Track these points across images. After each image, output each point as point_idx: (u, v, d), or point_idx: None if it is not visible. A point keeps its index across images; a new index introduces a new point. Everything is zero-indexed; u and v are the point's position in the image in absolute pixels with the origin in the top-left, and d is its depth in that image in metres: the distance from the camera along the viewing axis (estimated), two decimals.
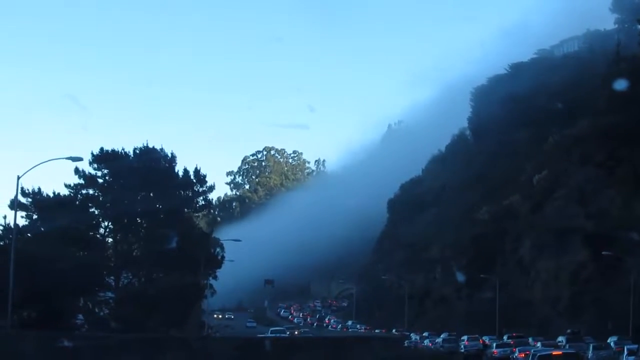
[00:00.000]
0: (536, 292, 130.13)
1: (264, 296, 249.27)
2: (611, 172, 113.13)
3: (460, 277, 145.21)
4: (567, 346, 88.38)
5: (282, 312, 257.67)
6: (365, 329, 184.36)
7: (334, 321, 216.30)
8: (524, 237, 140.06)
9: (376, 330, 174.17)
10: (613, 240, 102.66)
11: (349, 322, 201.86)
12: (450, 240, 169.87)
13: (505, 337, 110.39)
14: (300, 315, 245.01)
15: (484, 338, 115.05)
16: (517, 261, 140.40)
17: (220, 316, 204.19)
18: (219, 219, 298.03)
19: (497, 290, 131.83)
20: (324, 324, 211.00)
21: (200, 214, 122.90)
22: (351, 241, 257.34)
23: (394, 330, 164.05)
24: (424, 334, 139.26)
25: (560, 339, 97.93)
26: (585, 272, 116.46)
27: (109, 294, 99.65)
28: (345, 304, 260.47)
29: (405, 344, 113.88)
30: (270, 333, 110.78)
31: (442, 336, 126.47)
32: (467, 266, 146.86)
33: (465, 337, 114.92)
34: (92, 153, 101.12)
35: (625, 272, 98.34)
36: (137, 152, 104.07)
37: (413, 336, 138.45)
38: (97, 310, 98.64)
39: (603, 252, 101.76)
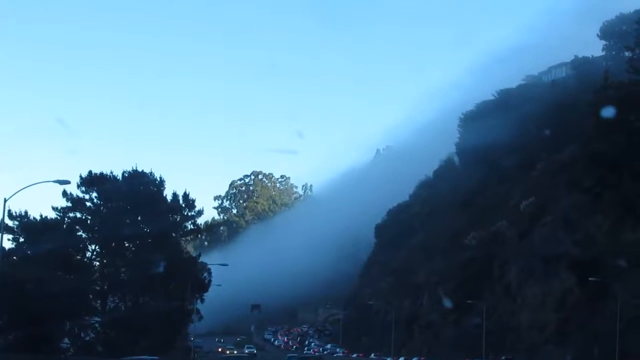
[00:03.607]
0: (523, 317, 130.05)
1: (251, 321, 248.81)
2: (598, 199, 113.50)
3: (447, 302, 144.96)
4: None
5: (265, 335, 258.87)
6: (343, 352, 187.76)
7: (315, 344, 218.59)
8: (511, 263, 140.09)
9: (353, 355, 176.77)
10: (600, 267, 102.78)
11: (328, 346, 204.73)
12: (437, 265, 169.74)
13: None
14: (285, 339, 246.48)
15: None
16: (505, 287, 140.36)
17: (233, 352, 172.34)
18: (206, 243, 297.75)
19: (484, 316, 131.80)
20: (304, 347, 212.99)
21: (188, 238, 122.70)
22: (338, 266, 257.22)
23: (372, 355, 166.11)
24: (400, 358, 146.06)
25: None
26: (572, 298, 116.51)
27: (96, 318, 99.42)
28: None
29: None
30: None
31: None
32: (454, 292, 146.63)
33: None
34: (80, 176, 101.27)
35: (611, 298, 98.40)
36: (126, 175, 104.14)
37: None
38: (83, 334, 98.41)
39: (590, 278, 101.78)
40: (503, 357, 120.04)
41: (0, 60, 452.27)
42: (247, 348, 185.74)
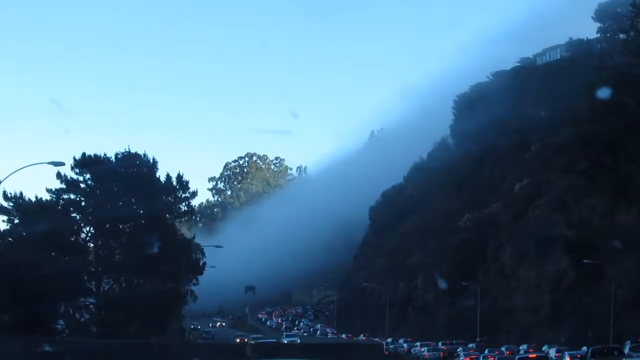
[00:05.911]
0: (517, 299, 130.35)
1: (245, 302, 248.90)
2: (593, 181, 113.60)
3: (442, 284, 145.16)
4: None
5: (258, 316, 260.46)
6: (332, 333, 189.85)
7: (304, 325, 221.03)
8: (506, 245, 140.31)
9: (342, 335, 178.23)
10: (594, 249, 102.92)
11: (318, 326, 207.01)
12: (431, 247, 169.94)
13: (440, 344, 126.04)
14: (279, 321, 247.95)
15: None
16: (499, 269, 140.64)
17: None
18: (200, 224, 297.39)
19: (478, 298, 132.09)
20: (295, 328, 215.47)
21: (182, 219, 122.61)
22: (333, 248, 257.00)
23: (361, 336, 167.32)
24: (387, 340, 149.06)
25: (471, 345, 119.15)
26: (567, 280, 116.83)
27: (90, 300, 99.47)
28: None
29: None
30: None
31: None
32: (448, 273, 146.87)
33: (418, 343, 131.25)
34: (74, 158, 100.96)
35: (606, 280, 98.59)
36: (119, 157, 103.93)
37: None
38: (78, 315, 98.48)
39: (584, 260, 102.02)
40: (477, 339, 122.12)
41: None
42: (287, 337, 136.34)
